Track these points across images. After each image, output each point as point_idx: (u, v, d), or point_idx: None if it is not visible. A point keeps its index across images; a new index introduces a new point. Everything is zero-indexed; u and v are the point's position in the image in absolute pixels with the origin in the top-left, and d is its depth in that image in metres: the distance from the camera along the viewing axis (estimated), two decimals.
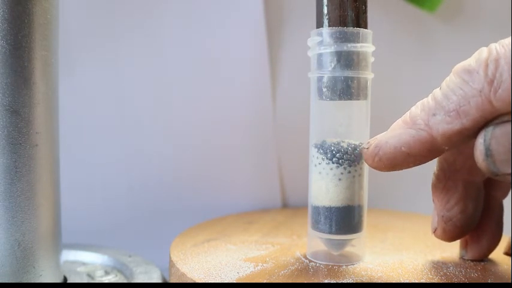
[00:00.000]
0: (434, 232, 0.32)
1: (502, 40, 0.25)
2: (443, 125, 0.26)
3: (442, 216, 0.31)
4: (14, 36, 0.29)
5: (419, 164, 0.28)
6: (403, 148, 0.27)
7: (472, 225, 0.31)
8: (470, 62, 0.25)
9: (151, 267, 0.37)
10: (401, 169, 0.28)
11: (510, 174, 0.25)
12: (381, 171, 0.29)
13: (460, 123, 0.25)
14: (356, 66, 0.31)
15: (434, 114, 0.26)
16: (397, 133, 0.28)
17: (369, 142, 0.29)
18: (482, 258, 0.33)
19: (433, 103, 0.26)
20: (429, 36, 0.50)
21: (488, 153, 0.25)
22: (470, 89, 0.25)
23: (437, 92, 0.27)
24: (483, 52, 0.25)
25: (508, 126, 0.24)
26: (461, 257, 0.33)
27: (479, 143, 0.25)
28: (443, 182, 0.31)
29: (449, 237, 0.31)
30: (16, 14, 0.29)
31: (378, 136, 0.29)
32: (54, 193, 0.33)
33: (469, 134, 0.26)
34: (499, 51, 0.24)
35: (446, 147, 0.27)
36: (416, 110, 0.27)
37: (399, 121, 0.28)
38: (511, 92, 0.24)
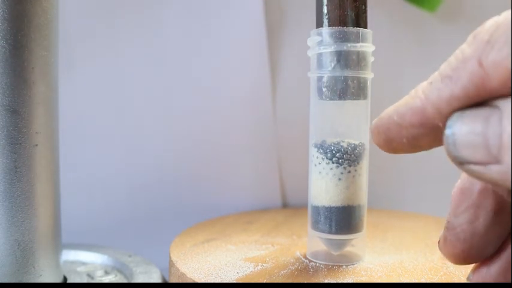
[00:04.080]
0: (438, 243, 0.26)
1: None
2: (433, 91, 0.22)
3: (448, 222, 0.26)
4: (14, 36, 0.29)
5: (417, 144, 0.24)
6: (395, 117, 0.24)
7: (482, 248, 0.25)
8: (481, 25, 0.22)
9: (151, 267, 0.37)
10: (401, 148, 0.24)
11: (472, 164, 0.21)
12: (384, 151, 0.25)
13: (450, 89, 0.22)
14: (356, 66, 0.31)
15: (431, 82, 0.23)
16: (398, 102, 0.24)
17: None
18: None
19: (436, 72, 0.23)
20: (429, 36, 0.50)
21: (450, 130, 0.22)
22: (469, 51, 0.21)
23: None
24: (491, 19, 0.22)
25: (482, 109, 0.21)
26: (467, 279, 0.26)
27: (450, 117, 0.22)
28: (463, 181, 0.26)
29: (450, 252, 0.25)
30: (16, 13, 0.29)
31: None
32: (54, 193, 0.33)
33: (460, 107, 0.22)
34: (505, 15, 0.21)
35: (440, 123, 0.23)
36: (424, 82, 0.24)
37: None
38: (506, 53, 0.20)
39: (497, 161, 0.20)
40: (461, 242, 0.25)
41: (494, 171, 0.20)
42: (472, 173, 0.21)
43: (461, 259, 0.25)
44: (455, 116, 0.22)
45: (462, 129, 0.21)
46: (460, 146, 0.21)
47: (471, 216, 0.24)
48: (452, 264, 0.31)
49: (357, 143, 0.31)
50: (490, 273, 0.25)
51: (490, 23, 0.21)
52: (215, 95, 0.47)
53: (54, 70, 0.32)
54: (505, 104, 0.20)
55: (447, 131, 0.22)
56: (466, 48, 0.22)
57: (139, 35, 0.46)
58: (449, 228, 0.25)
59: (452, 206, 0.25)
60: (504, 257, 0.25)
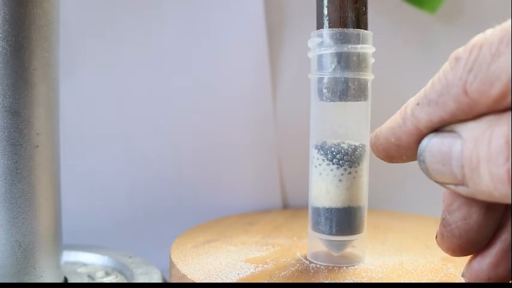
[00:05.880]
0: (436, 238, 0.28)
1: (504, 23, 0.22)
2: (422, 115, 0.24)
3: (443, 219, 0.27)
4: (15, 38, 0.29)
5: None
6: (392, 139, 0.25)
7: (477, 242, 0.26)
8: (462, 47, 0.23)
9: (151, 268, 0.37)
10: (401, 162, 0.26)
11: (445, 184, 0.23)
12: (386, 161, 0.27)
13: (439, 115, 0.23)
14: (356, 67, 0.31)
15: (417, 104, 0.24)
16: (391, 122, 0.26)
17: (374, 131, 0.28)
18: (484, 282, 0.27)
19: (422, 91, 0.24)
20: (429, 37, 0.50)
21: (421, 158, 0.24)
22: (452, 77, 0.22)
23: (431, 79, 0.25)
24: (476, 37, 0.22)
25: (446, 137, 0.23)
26: (462, 276, 0.28)
27: (420, 144, 0.24)
28: None
29: (448, 247, 0.27)
30: (17, 15, 0.29)
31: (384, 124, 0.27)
32: (55, 194, 0.33)
33: None
34: (487, 36, 0.21)
35: None
36: (412, 97, 0.25)
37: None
38: (489, 83, 0.21)
39: (463, 184, 0.22)
40: (457, 237, 0.26)
41: (464, 191, 0.23)
42: (448, 189, 0.24)
43: (458, 252, 0.27)
44: (423, 146, 0.24)
45: (430, 159, 0.24)
46: (431, 172, 0.24)
47: (464, 214, 0.26)
48: (453, 265, 0.32)
49: (357, 144, 0.31)
50: (481, 268, 0.27)
51: (472, 44, 0.22)
52: (215, 95, 0.47)
53: (55, 71, 0.32)
54: (466, 131, 0.22)
55: (420, 163, 0.24)
56: (448, 72, 0.23)
57: (140, 36, 0.46)
58: (445, 225, 0.27)
59: (445, 203, 0.27)
60: (493, 252, 0.26)
